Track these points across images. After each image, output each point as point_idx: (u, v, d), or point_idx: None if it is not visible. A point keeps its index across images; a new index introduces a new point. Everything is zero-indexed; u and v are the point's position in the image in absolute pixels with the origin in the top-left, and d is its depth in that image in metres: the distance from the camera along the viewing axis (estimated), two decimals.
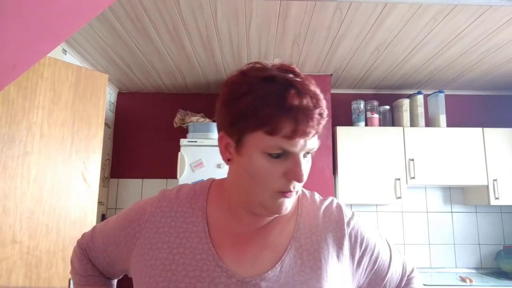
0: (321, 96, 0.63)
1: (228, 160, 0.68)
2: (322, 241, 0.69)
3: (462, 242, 2.88)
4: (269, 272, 0.64)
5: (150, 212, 0.72)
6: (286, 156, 0.61)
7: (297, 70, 0.65)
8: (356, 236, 0.71)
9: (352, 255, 0.70)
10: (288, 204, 0.65)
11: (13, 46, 0.48)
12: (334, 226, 0.71)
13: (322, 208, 0.73)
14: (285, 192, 0.63)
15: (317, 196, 0.77)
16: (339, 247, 0.69)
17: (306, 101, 0.60)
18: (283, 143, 0.59)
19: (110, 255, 0.76)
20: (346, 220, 0.72)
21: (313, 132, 0.61)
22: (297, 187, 0.64)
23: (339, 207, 0.74)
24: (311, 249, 0.68)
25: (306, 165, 0.64)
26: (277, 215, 0.71)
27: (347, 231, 0.71)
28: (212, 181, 0.78)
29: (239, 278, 0.63)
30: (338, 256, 0.69)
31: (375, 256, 0.73)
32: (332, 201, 0.75)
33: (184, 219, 0.71)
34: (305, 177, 0.63)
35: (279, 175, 0.61)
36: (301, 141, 0.60)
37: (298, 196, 0.75)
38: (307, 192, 0.77)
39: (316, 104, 0.61)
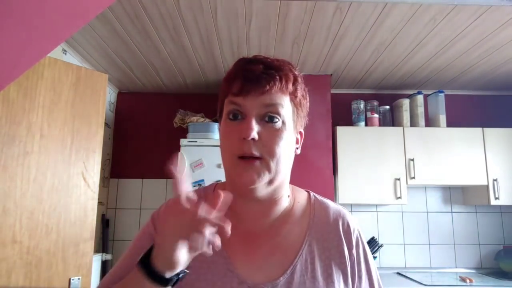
0: (277, 65, 0.66)
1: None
2: (333, 248, 0.69)
3: (462, 242, 2.88)
4: (281, 278, 0.64)
5: (157, 219, 0.71)
6: (242, 119, 0.63)
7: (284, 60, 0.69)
8: (364, 253, 0.72)
9: (352, 273, 0.69)
10: (252, 173, 0.61)
11: (13, 46, 0.48)
12: (345, 236, 0.71)
13: (335, 215, 0.73)
14: (243, 156, 0.62)
15: (331, 203, 0.77)
16: (346, 259, 0.69)
17: (253, 66, 0.65)
18: (233, 98, 0.64)
19: None
20: (356, 234, 0.72)
21: (257, 91, 0.63)
22: (255, 151, 0.61)
23: (351, 220, 0.74)
24: (322, 256, 0.68)
25: (271, 133, 0.63)
26: (284, 214, 0.71)
27: (354, 245, 0.71)
28: (216, 184, 0.78)
29: (250, 284, 0.63)
30: (344, 268, 0.68)
31: (369, 282, 0.72)
32: (345, 212, 0.75)
33: None
34: (275, 147, 0.63)
35: (236, 138, 0.62)
36: (249, 100, 0.63)
37: (311, 200, 0.75)
38: (319, 197, 0.77)
39: (262, 68, 0.64)
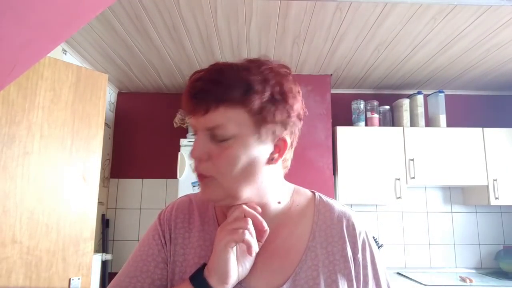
0: (224, 76, 0.60)
1: None
2: (337, 252, 0.66)
3: (462, 242, 2.88)
4: (284, 286, 0.62)
5: (163, 219, 0.72)
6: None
7: (262, 60, 0.64)
8: (371, 257, 0.69)
9: (357, 279, 0.66)
10: (206, 191, 0.63)
11: (13, 46, 0.48)
12: (350, 239, 0.68)
13: (339, 217, 0.70)
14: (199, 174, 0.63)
15: (336, 204, 0.73)
16: (350, 264, 0.66)
17: (197, 83, 0.61)
18: (189, 120, 0.63)
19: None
20: (363, 237, 0.69)
21: (200, 109, 0.60)
22: (203, 170, 0.61)
23: (357, 221, 0.71)
24: (326, 261, 0.65)
25: (220, 152, 0.61)
26: (282, 216, 0.70)
27: (360, 249, 0.68)
28: None
29: None
30: (348, 274, 0.65)
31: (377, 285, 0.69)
32: (350, 213, 0.72)
33: (196, 228, 0.70)
34: (223, 167, 0.60)
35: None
36: (195, 119, 0.62)
37: (316, 202, 0.72)
38: (324, 198, 0.74)
39: (203, 83, 0.60)
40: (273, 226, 0.67)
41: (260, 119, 0.61)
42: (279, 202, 0.69)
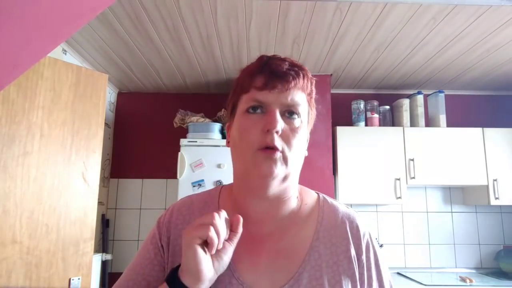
0: (299, 65, 0.68)
1: (228, 143, 0.71)
2: (341, 253, 0.66)
3: (462, 242, 2.88)
4: (286, 286, 0.62)
5: (162, 222, 0.71)
6: (263, 113, 0.63)
7: (293, 59, 0.70)
8: (375, 259, 0.69)
9: (361, 280, 0.66)
10: (271, 164, 0.61)
11: (13, 46, 0.48)
12: (354, 241, 0.68)
13: (343, 218, 0.70)
14: (265, 149, 0.62)
15: (340, 205, 0.74)
16: (354, 265, 0.66)
17: (278, 62, 0.66)
18: (256, 95, 0.64)
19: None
20: (367, 238, 0.69)
21: (283, 86, 0.63)
22: (278, 144, 0.62)
23: (361, 223, 0.71)
24: (330, 261, 0.65)
25: (291, 128, 0.64)
26: (293, 216, 0.69)
27: (364, 250, 0.68)
28: (221, 187, 0.76)
29: None
30: (352, 275, 0.65)
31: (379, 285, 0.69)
32: (354, 215, 0.72)
33: None
34: (294, 142, 0.63)
35: (258, 131, 0.62)
36: (273, 94, 0.63)
37: (320, 202, 0.73)
38: (328, 199, 0.75)
39: (287, 64, 0.66)
40: (283, 226, 0.68)
41: (311, 111, 0.70)
42: (297, 197, 0.71)
